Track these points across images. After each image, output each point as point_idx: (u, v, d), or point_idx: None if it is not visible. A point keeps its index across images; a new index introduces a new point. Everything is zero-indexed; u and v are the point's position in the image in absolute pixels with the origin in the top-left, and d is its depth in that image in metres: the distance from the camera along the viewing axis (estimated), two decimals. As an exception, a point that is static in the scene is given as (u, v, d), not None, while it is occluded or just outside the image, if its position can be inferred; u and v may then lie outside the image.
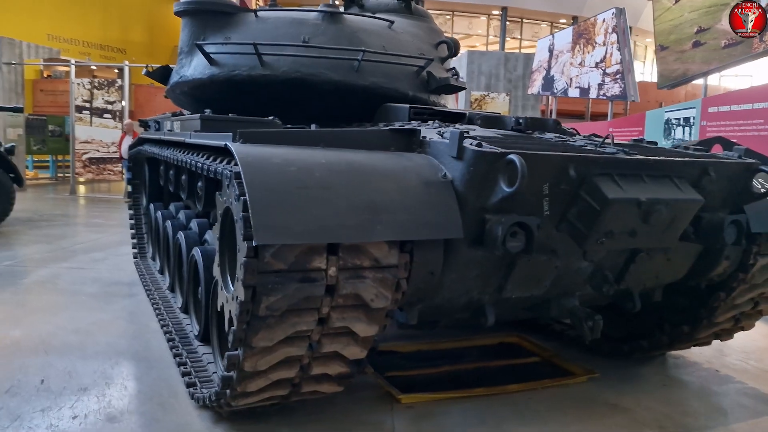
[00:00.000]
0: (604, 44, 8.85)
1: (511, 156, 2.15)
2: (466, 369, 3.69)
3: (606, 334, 3.96)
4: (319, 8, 3.99)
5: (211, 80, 3.88)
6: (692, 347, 3.78)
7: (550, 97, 12.00)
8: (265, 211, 1.97)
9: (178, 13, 4.12)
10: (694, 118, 6.56)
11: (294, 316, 2.16)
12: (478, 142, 2.30)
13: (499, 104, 12.72)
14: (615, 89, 8.58)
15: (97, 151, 13.54)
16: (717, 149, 3.29)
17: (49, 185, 16.19)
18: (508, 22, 29.41)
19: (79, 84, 13.51)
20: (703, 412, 3.22)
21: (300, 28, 3.87)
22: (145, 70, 4.49)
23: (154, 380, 3.32)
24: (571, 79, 9.92)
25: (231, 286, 2.30)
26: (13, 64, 13.86)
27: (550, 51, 10.82)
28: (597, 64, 9.03)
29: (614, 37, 8.57)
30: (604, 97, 9.03)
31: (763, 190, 2.75)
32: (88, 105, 13.53)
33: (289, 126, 3.07)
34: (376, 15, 4.28)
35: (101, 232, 8.41)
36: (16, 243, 7.56)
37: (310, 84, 3.75)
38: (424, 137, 2.55)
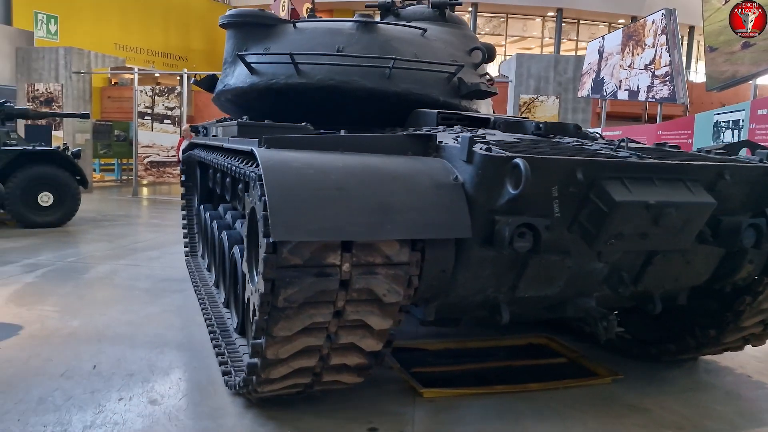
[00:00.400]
0: (654, 46, 8.71)
1: (516, 160, 2.26)
2: (491, 367, 3.78)
3: (635, 337, 4.00)
4: (353, 18, 4.17)
5: (252, 88, 4.12)
6: (722, 352, 3.76)
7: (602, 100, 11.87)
8: (282, 210, 2.15)
9: (223, 26, 4.38)
10: (743, 120, 6.41)
11: (311, 308, 2.33)
12: (488, 146, 2.42)
13: (548, 107, 12.64)
14: (664, 91, 8.42)
15: (158, 155, 14.20)
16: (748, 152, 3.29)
17: (114, 187, 17.06)
18: (564, 24, 29.00)
19: (141, 91, 14.21)
20: (726, 416, 3.21)
21: (335, 38, 4.06)
22: (193, 79, 4.78)
23: (195, 368, 3.57)
24: (620, 81, 9.78)
25: (255, 280, 2.49)
26: (82, 73, 14.68)
27: (600, 53, 10.69)
28: (646, 66, 8.88)
29: (663, 38, 8.42)
30: (653, 100, 8.87)
31: (780, 193, 2.74)
32: (149, 111, 14.20)
33: (322, 131, 3.25)
34: (410, 24, 4.42)
35: (158, 232, 8.86)
36: (81, 241, 8.07)
37: (343, 91, 3.92)
38: (440, 142, 2.68)
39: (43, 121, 13.46)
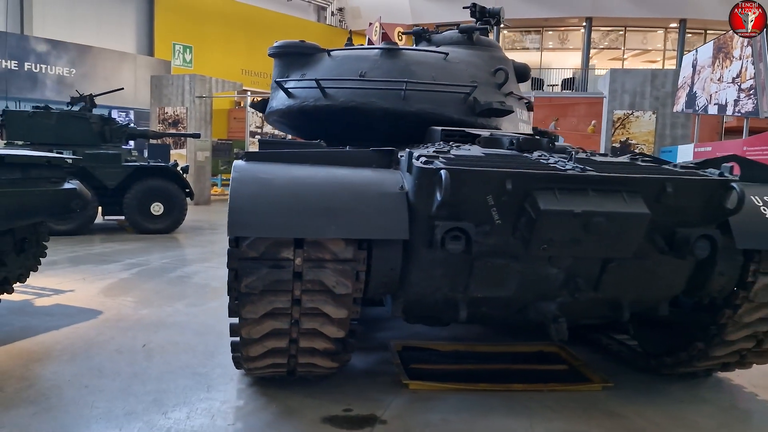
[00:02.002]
0: (740, 58, 8.29)
1: (441, 171, 2.57)
2: (490, 369, 3.99)
3: (644, 349, 4.04)
4: (380, 46, 4.61)
5: (289, 110, 4.67)
6: (722, 368, 3.71)
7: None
8: (240, 211, 2.62)
9: (271, 55, 4.98)
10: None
11: (271, 295, 2.77)
12: (428, 160, 2.75)
13: (643, 123, 12.28)
14: (748, 105, 7.98)
15: (265, 170, 15.37)
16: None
17: (230, 201, 18.57)
18: (688, 35, 27.51)
19: (252, 112, 15.52)
20: (706, 428, 3.23)
21: (360, 64, 4.51)
22: (251, 102, 5.43)
23: (226, 349, 4.12)
24: (710, 95, 9.35)
25: None
26: (202, 97, 16.29)
27: (694, 66, 10.26)
28: (733, 79, 8.46)
29: (749, 50, 7.99)
30: (739, 114, 8.41)
31: (731, 207, 2.79)
32: (259, 130, 15.46)
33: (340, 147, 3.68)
34: (433, 48, 4.77)
35: (250, 240, 9.74)
36: (179, 246, 9.11)
37: (364, 111, 4.36)
38: (401, 156, 3.03)
39: (169, 140, 15.09)
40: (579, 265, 3.01)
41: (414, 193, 2.72)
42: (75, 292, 5.77)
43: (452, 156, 2.90)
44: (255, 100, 5.42)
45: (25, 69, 18.25)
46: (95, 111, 10.44)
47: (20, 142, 9.58)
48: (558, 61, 29.88)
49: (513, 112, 4.56)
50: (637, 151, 12.39)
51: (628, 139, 12.42)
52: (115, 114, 21.00)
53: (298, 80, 4.58)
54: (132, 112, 21.28)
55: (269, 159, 2.98)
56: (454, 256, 2.83)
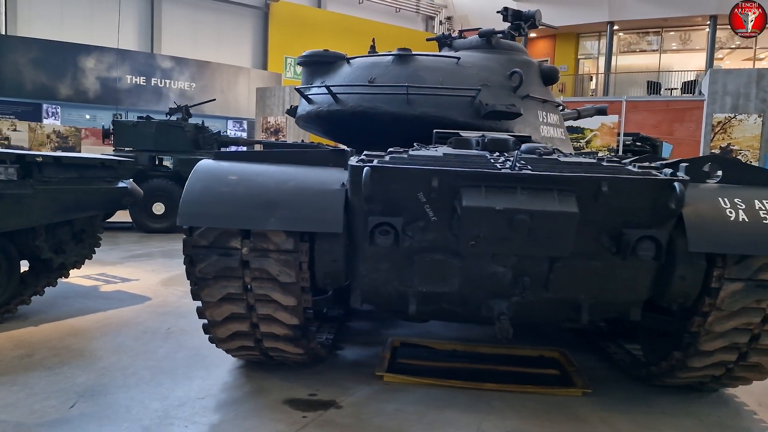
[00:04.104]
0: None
1: (365, 169, 2.72)
2: (477, 368, 4.01)
3: (646, 359, 3.89)
4: (393, 52, 4.78)
5: (308, 114, 4.97)
6: (712, 383, 3.48)
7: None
8: (191, 203, 2.92)
9: (299, 64, 5.32)
10: None
11: (223, 281, 3.05)
12: (362, 158, 2.90)
13: (747, 127, 11.36)
14: None
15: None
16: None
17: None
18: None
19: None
20: (672, 439, 3.09)
21: (372, 71, 4.71)
22: (288, 108, 5.79)
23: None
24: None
25: None
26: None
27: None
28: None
29: None
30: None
31: (673, 206, 2.68)
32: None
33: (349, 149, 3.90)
34: (445, 53, 4.86)
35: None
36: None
37: (370, 115, 4.55)
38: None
39: (260, 147, 16.03)
40: (525, 264, 3.01)
41: (351, 190, 2.89)
42: (140, 281, 6.43)
43: (395, 156, 3.03)
44: (291, 107, 5.77)
45: (152, 84, 20.16)
46: (202, 121, 11.36)
47: (128, 149, 10.69)
48: (680, 63, 28.08)
49: (520, 114, 4.54)
50: (740, 158, 11.52)
51: (729, 144, 11.55)
52: (230, 124, 22.66)
53: (312, 87, 4.86)
54: (245, 122, 22.80)
55: (235, 158, 3.26)
56: (397, 251, 2.96)
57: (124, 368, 3.76)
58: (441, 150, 3.45)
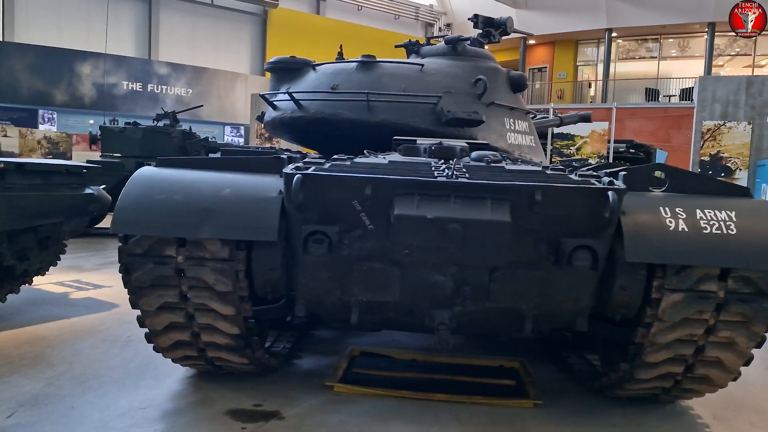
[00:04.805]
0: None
1: (296, 177, 2.69)
2: (433, 378, 3.96)
3: (603, 370, 3.84)
4: (357, 59, 4.76)
5: (273, 121, 4.95)
6: (665, 395, 3.42)
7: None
8: (125, 211, 2.88)
9: (267, 70, 5.30)
10: None
11: (159, 290, 3.01)
12: (298, 166, 2.87)
13: (737, 134, 11.29)
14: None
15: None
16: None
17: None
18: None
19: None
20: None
21: (336, 77, 4.68)
22: (258, 115, 5.78)
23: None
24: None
25: None
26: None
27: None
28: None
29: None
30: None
31: (607, 215, 2.64)
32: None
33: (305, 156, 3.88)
34: (409, 60, 4.84)
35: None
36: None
37: (332, 122, 4.53)
38: None
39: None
40: (466, 273, 2.96)
41: (286, 197, 2.85)
42: (112, 287, 6.39)
43: (335, 163, 3.00)
44: (261, 113, 5.76)
45: (148, 90, 20.25)
46: (189, 127, 11.38)
47: (116, 154, 10.70)
48: (679, 70, 28.01)
49: (482, 121, 4.50)
50: (730, 165, 11.46)
51: (719, 152, 11.48)
52: (227, 130, 22.69)
53: (277, 93, 4.84)
54: (242, 128, 22.84)
55: (179, 165, 3.23)
56: (335, 259, 2.93)
57: (74, 377, 3.73)
58: (389, 157, 3.41)
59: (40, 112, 18.31)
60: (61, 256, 5.36)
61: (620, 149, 12.79)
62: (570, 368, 4.17)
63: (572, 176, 2.93)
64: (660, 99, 26.46)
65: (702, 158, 11.57)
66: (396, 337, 4.77)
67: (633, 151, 13.02)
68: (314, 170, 2.80)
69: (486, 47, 5.45)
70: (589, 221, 2.76)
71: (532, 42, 29.65)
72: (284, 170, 2.84)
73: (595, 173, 3.01)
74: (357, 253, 2.95)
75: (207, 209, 2.88)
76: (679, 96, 26.38)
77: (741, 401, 3.82)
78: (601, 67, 28.18)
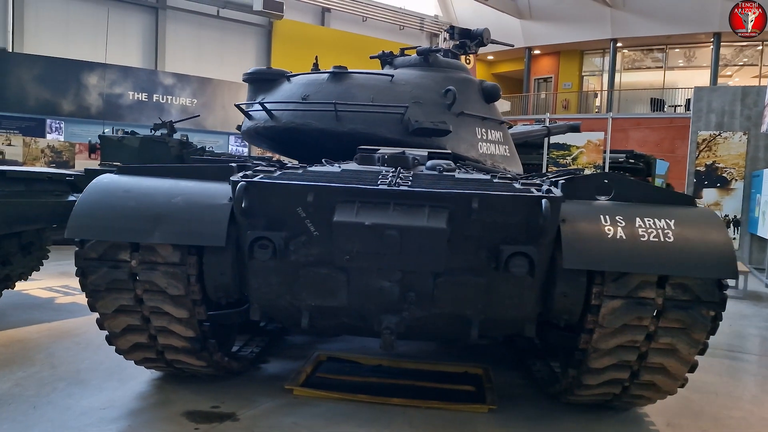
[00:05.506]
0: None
1: (240, 184, 2.78)
2: (396, 383, 4.02)
3: (560, 376, 3.88)
4: (329, 70, 4.86)
5: (249, 130, 5.05)
6: (617, 401, 3.46)
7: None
8: (81, 216, 2.99)
9: (244, 80, 5.42)
10: None
11: (115, 293, 3.11)
12: (246, 174, 2.96)
13: (732, 144, 11.28)
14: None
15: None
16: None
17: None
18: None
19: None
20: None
21: (308, 88, 4.78)
22: (238, 125, 5.89)
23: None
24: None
25: None
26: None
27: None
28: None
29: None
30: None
31: (542, 223, 2.70)
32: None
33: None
34: (379, 71, 4.93)
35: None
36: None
37: (303, 131, 4.62)
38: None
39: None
40: (410, 279, 3.03)
41: (235, 204, 2.94)
42: (99, 293, 6.51)
43: (286, 171, 3.08)
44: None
45: (154, 100, 20.49)
46: (186, 136, 11.52)
47: (115, 163, 10.86)
48: (685, 81, 27.94)
49: (449, 131, 4.57)
50: (726, 175, 11.45)
51: (714, 162, 11.46)
52: (232, 140, 22.89)
53: (252, 104, 4.95)
54: (247, 137, 22.96)
55: (138, 173, 3.33)
56: (282, 265, 3.02)
57: (41, 379, 3.83)
58: (344, 166, 3.50)
59: (48, 121, 18.59)
60: (51, 262, 5.48)
61: (620, 159, 12.77)
62: (532, 375, 4.21)
63: (515, 185, 3.00)
64: (665, 109, 26.42)
65: (698, 168, 11.56)
66: (366, 343, 4.83)
67: (632, 161, 13.00)
68: (260, 178, 2.89)
69: (462, 58, 5.54)
70: (526, 229, 2.83)
71: (537, 52, 29.73)
72: (231, 178, 2.93)
73: (537, 182, 3.07)
74: (304, 259, 3.03)
75: (159, 215, 2.97)
76: (685, 106, 26.32)
77: (700, 409, 3.85)
78: (606, 77, 28.18)
